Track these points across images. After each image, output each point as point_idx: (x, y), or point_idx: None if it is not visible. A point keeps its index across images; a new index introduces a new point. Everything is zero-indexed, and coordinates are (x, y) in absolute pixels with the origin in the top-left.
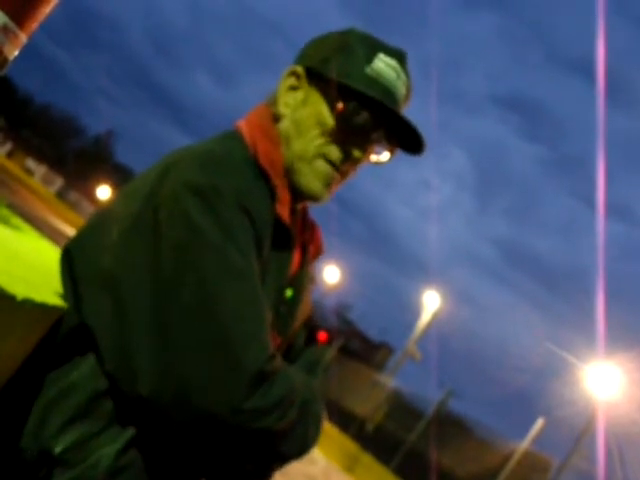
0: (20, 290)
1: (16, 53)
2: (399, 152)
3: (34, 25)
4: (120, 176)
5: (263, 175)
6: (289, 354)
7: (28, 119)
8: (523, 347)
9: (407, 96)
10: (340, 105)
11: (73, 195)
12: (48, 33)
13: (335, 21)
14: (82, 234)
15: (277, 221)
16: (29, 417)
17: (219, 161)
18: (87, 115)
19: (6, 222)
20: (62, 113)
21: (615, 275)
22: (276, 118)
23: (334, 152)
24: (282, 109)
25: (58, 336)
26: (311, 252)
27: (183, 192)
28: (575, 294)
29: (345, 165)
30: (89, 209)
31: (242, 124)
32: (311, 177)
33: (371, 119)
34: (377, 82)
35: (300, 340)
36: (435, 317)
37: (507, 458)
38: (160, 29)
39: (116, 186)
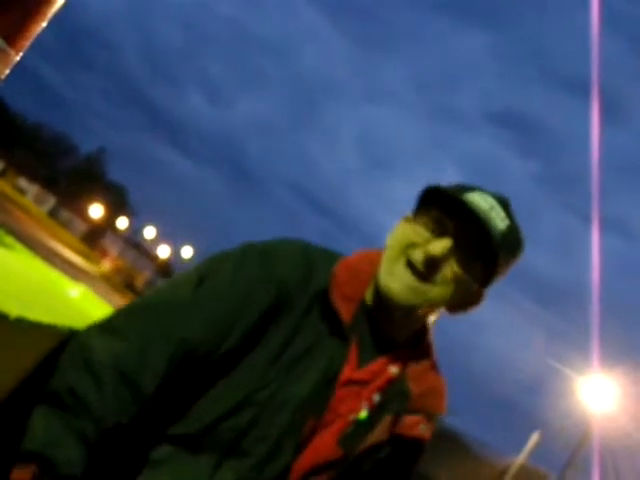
0: (13, 309)
1: (7, 72)
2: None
3: (25, 43)
4: (113, 195)
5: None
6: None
7: (20, 138)
8: (518, 361)
9: (508, 237)
10: (429, 211)
11: (65, 214)
12: (40, 52)
13: (329, 41)
14: None
15: (330, 309)
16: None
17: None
18: (79, 134)
19: None
20: (54, 132)
21: (611, 289)
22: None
23: (416, 254)
24: (389, 240)
25: None
26: (424, 403)
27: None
28: (571, 308)
29: (428, 264)
30: (82, 227)
31: (355, 253)
32: (390, 277)
33: (456, 226)
34: (468, 204)
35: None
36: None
37: (503, 473)
38: (153, 48)
39: (109, 205)
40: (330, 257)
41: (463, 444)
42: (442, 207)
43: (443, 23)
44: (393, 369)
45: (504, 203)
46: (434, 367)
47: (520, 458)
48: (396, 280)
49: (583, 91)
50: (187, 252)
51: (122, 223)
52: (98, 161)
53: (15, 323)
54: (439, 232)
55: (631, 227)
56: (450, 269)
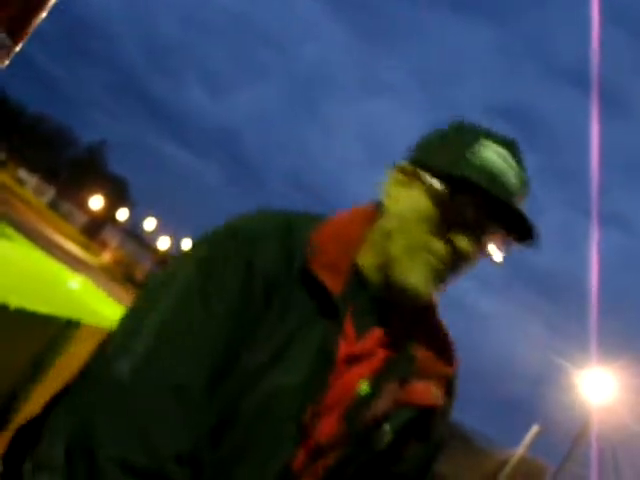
0: (13, 299)
1: (7, 62)
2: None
3: (26, 34)
4: (113, 186)
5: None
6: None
7: (21, 129)
8: (518, 354)
9: (521, 186)
10: (442, 195)
11: (65, 205)
12: (41, 43)
13: (329, 33)
14: None
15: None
16: None
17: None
18: (80, 126)
19: None
20: (55, 124)
21: (611, 283)
22: (382, 211)
23: (438, 245)
24: (387, 202)
25: None
26: (429, 368)
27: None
28: (571, 302)
29: (453, 259)
30: (82, 219)
31: (340, 213)
32: (411, 270)
33: (476, 208)
34: (484, 170)
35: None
36: None
37: (503, 464)
38: (154, 41)
39: (109, 196)
40: (312, 220)
41: (462, 436)
42: (461, 188)
43: (445, 17)
44: (395, 334)
45: (514, 148)
46: (440, 325)
47: (519, 450)
48: (418, 275)
49: (586, 86)
50: (187, 244)
51: (122, 215)
52: (98, 153)
53: (15, 314)
54: (461, 221)
55: (632, 222)
56: (475, 256)
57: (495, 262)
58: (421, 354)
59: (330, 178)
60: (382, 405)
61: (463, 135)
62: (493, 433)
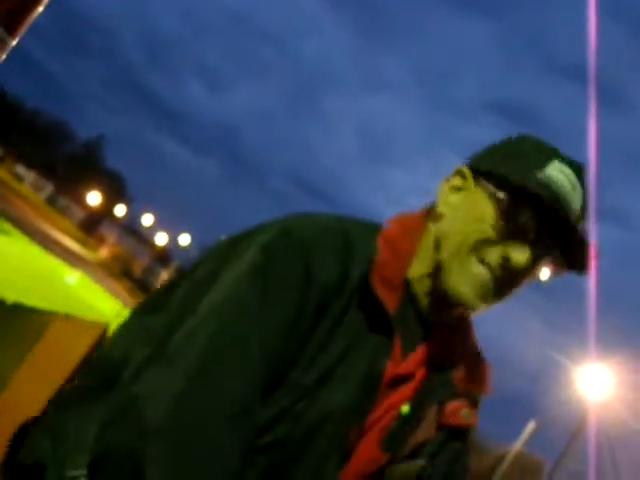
0: (11, 294)
1: (4, 57)
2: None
3: (22, 28)
4: (110, 182)
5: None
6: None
7: (18, 125)
8: (516, 349)
9: (583, 212)
10: (504, 201)
11: (63, 201)
12: (37, 37)
13: (329, 30)
14: None
15: (374, 300)
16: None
17: (325, 222)
18: (78, 121)
19: None
20: (52, 119)
21: (609, 279)
22: (435, 217)
23: (491, 253)
24: (442, 208)
25: None
26: (467, 387)
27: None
28: (568, 297)
29: (506, 273)
30: (79, 215)
31: (392, 223)
32: (461, 278)
33: (537, 222)
34: (549, 188)
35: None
36: None
37: (500, 460)
38: (152, 36)
39: (106, 192)
40: (369, 231)
41: None
42: (524, 201)
43: (443, 13)
44: (436, 354)
45: (581, 171)
46: (477, 348)
47: (516, 446)
48: (470, 283)
49: (584, 81)
50: (185, 240)
51: (120, 210)
52: (96, 148)
53: (12, 308)
54: (518, 233)
55: (631, 216)
56: (530, 273)
57: (541, 281)
58: (458, 375)
59: (330, 174)
60: (425, 429)
61: (531, 149)
62: (490, 428)
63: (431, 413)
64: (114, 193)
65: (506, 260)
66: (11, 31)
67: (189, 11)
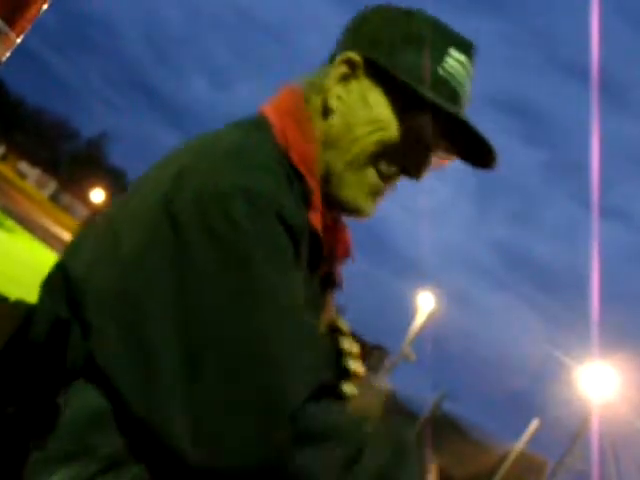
0: (13, 291)
1: (8, 54)
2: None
3: (26, 26)
4: (114, 179)
5: (297, 176)
6: None
7: (21, 122)
8: (518, 348)
9: (470, 96)
10: (400, 103)
11: (66, 198)
12: (41, 35)
13: (332, 26)
14: (80, 247)
15: (310, 232)
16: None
17: (252, 160)
18: (81, 118)
19: (0, 225)
20: (55, 116)
21: (612, 277)
22: (325, 112)
23: (389, 165)
24: (333, 102)
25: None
26: (338, 253)
27: (215, 202)
28: (571, 296)
29: (397, 179)
30: (83, 212)
31: (269, 110)
32: (358, 189)
33: (435, 127)
34: (448, 85)
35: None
36: (430, 319)
37: (502, 459)
38: (156, 32)
39: (110, 189)
40: (275, 155)
41: (463, 430)
42: (419, 103)
43: (446, 9)
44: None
45: (473, 53)
46: (342, 222)
47: (519, 445)
48: (367, 195)
49: (589, 79)
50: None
51: None
52: (99, 145)
53: (15, 306)
54: (416, 140)
55: (635, 215)
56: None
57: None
58: (339, 251)
59: None
60: (328, 316)
61: (428, 34)
62: (493, 427)
63: (329, 299)
64: (117, 190)
65: (405, 171)
66: (15, 28)
67: (193, 7)
